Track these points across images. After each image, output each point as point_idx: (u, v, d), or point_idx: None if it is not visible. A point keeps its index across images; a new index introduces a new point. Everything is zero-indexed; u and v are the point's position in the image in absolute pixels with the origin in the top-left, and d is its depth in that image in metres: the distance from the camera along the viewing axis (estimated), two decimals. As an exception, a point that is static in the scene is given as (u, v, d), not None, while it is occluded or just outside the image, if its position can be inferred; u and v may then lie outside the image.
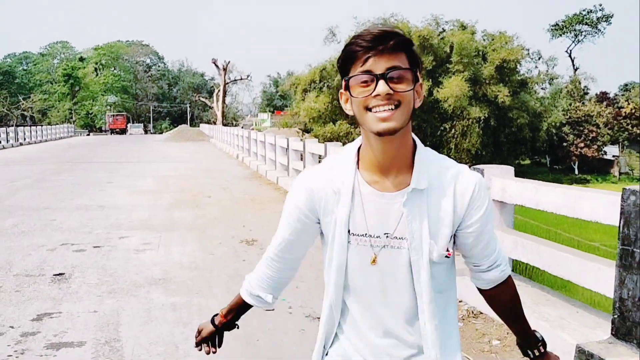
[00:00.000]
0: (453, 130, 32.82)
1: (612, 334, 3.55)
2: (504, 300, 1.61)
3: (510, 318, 1.64)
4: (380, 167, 1.40)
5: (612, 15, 53.61)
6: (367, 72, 1.31)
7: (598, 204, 3.85)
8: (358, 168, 1.43)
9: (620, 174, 42.72)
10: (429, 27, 35.85)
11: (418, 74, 1.36)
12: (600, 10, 53.58)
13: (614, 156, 44.07)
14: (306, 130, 39.23)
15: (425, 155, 1.42)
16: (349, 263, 1.47)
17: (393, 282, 1.44)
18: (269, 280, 1.65)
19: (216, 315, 1.77)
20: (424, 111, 30.39)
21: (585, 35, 54.51)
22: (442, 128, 31.90)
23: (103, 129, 70.79)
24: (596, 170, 42.48)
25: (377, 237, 1.42)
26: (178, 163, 19.91)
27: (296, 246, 1.57)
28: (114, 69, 78.69)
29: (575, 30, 54.19)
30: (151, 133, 68.99)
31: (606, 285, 3.64)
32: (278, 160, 14.10)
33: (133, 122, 70.27)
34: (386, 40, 1.30)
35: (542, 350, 1.65)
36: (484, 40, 37.21)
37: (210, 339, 1.77)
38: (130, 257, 6.33)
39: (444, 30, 36.80)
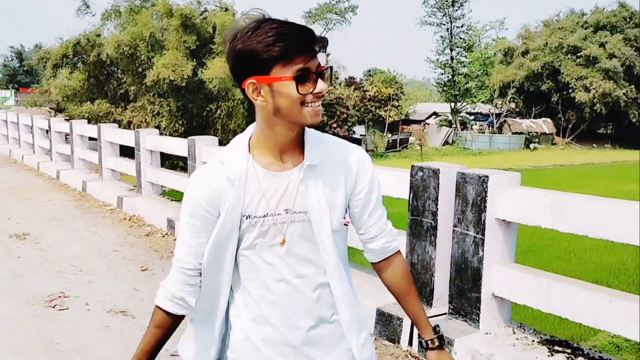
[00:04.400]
0: (219, 111, 32.95)
1: (405, 295, 4.01)
2: (392, 276, 1.66)
3: (401, 298, 1.67)
4: (278, 150, 1.48)
5: (357, 6, 58.77)
6: (307, 69, 1.38)
7: (387, 180, 4.27)
8: (253, 154, 1.49)
9: (367, 151, 47.25)
10: (191, 5, 35.32)
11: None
12: (347, 0, 58.31)
13: (361, 135, 48.62)
14: (59, 110, 35.82)
15: (312, 135, 1.53)
16: (251, 251, 1.49)
17: (300, 256, 1.50)
18: (190, 286, 1.54)
19: None
20: (189, 91, 30.06)
21: (334, 24, 58.89)
22: (208, 109, 31.87)
23: None
24: (347, 148, 46.49)
25: (278, 214, 1.47)
26: None
27: (202, 245, 1.51)
28: None
29: (326, 18, 58.21)
30: None
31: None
32: (37, 144, 12.73)
33: None
34: (320, 41, 1.39)
35: (437, 344, 1.64)
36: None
37: None
38: None
39: (206, 10, 36.58)
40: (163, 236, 6.52)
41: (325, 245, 1.50)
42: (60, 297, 4.51)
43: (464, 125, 50.77)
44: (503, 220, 3.43)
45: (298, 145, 1.50)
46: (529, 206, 3.26)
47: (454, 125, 50.21)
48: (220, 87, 31.40)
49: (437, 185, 3.76)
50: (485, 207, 3.43)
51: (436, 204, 3.77)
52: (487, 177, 3.41)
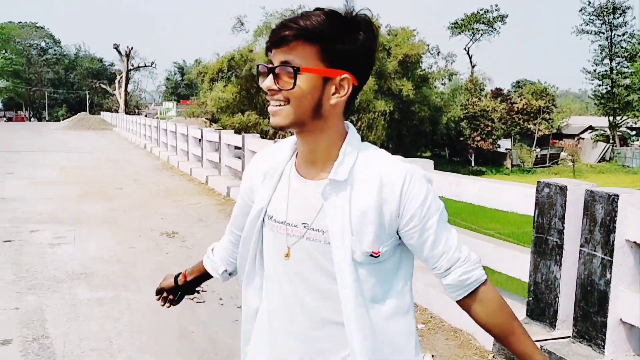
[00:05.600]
0: (359, 122, 33.59)
1: (526, 314, 3.89)
2: (484, 313, 1.34)
3: (503, 339, 1.35)
4: (306, 158, 1.33)
5: (507, 15, 56.82)
6: (269, 62, 1.26)
7: (514, 195, 4.18)
8: (297, 155, 1.37)
9: (512, 166, 45.50)
10: (337, 20, 36.31)
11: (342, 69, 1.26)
12: (496, 10, 56.62)
13: (506, 149, 46.85)
14: (214, 120, 38.69)
15: (353, 146, 1.31)
16: (265, 253, 1.41)
17: (308, 281, 1.32)
18: (223, 250, 1.66)
19: (180, 273, 1.79)
20: (332, 103, 30.94)
21: (482, 34, 57.37)
22: (349, 120, 32.52)
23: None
24: (491, 162, 44.96)
25: (294, 226, 1.32)
26: (82, 153, 19.05)
27: (239, 222, 1.51)
28: (5, 51, 73.52)
29: (473, 28, 56.91)
30: (46, 121, 65.35)
31: (521, 270, 3.98)
32: (191, 151, 13.88)
33: (26, 109, 66.30)
34: (280, 32, 1.22)
35: None
36: (388, 35, 38.27)
37: (168, 293, 1.79)
38: (45, 251, 6.07)
39: (352, 24, 37.38)
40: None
41: (345, 279, 1.27)
42: (198, 291, 4.92)
43: (623, 141, 47.02)
44: (634, 242, 3.22)
45: (333, 158, 1.30)
46: (662, 228, 3.04)
47: (612, 141, 46.64)
48: (362, 99, 31.99)
49: (564, 203, 3.62)
50: (614, 227, 3.24)
51: (562, 222, 3.63)
52: (617, 196, 3.23)
